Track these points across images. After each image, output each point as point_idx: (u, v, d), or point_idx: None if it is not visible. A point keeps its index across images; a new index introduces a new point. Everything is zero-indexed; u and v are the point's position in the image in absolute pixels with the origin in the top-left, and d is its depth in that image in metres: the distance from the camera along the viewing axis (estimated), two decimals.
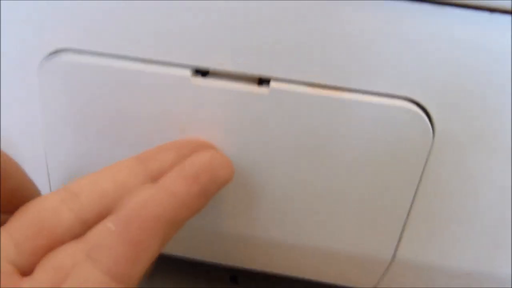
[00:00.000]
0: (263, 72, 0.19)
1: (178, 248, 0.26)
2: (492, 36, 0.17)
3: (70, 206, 0.17)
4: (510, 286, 0.23)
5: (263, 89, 0.19)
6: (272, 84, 0.19)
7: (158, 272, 0.30)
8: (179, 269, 0.31)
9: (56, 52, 0.19)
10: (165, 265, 0.30)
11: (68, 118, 0.21)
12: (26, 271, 0.16)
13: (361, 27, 0.18)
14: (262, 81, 0.19)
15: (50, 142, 0.21)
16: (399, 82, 0.18)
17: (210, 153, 0.19)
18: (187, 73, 0.19)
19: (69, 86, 0.20)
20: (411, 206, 0.21)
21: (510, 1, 0.17)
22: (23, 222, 0.16)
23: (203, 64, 0.19)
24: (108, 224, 0.16)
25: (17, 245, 0.16)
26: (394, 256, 0.22)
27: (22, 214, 0.16)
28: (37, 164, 0.22)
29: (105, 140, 0.21)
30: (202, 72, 0.20)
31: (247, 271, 0.27)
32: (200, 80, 0.19)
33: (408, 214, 0.21)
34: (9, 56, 0.20)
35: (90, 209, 0.17)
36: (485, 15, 0.17)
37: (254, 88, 0.19)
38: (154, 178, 0.18)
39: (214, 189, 0.19)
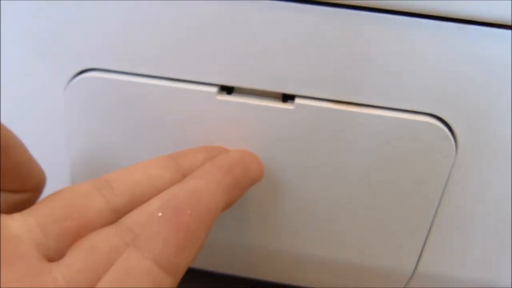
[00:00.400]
0: (288, 90, 0.19)
1: (197, 261, 0.26)
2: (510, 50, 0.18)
3: (102, 192, 0.16)
4: None
5: (288, 105, 0.19)
6: (297, 100, 0.19)
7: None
8: (198, 281, 0.31)
9: (84, 71, 0.20)
10: (184, 277, 0.30)
11: (94, 133, 0.21)
12: (54, 256, 0.15)
13: (385, 45, 0.18)
14: (286, 97, 0.20)
15: (75, 158, 0.22)
16: (422, 98, 0.19)
17: (240, 150, 0.19)
18: (213, 90, 0.19)
19: (96, 103, 0.20)
20: (433, 219, 0.21)
21: None
22: (50, 205, 0.16)
23: (229, 82, 0.19)
24: (155, 211, 0.15)
25: (43, 227, 0.15)
26: (415, 269, 0.23)
27: (49, 198, 0.16)
28: (62, 177, 0.22)
29: (130, 155, 0.21)
30: (228, 89, 0.20)
31: (267, 283, 0.27)
32: (225, 97, 0.20)
33: (430, 228, 0.21)
34: (39, 73, 0.20)
35: (122, 198, 0.17)
36: (508, 32, 0.17)
37: (279, 104, 0.19)
38: (185, 174, 0.18)
39: (246, 183, 0.19)
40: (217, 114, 0.20)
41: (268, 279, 0.26)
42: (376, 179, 0.20)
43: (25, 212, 0.15)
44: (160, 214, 0.15)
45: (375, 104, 0.19)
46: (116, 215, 0.16)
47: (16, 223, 0.15)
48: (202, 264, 0.26)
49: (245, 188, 0.19)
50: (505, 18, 0.17)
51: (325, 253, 0.23)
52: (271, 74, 0.19)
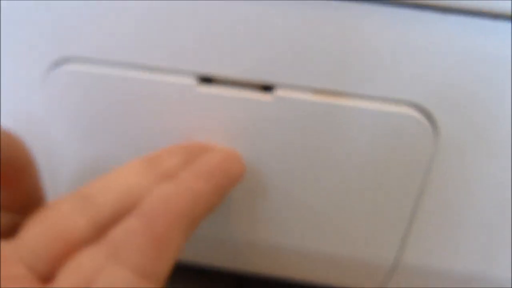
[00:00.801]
0: (267, 79, 0.19)
1: (185, 254, 0.26)
2: (494, 42, 0.18)
3: (83, 211, 0.17)
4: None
5: (267, 96, 0.19)
6: (276, 90, 0.19)
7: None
8: (186, 275, 0.31)
9: (60, 60, 0.20)
10: (172, 271, 0.30)
11: (73, 125, 0.21)
12: (45, 278, 0.16)
13: (365, 33, 0.18)
14: (266, 88, 0.20)
15: (54, 149, 0.22)
16: (404, 88, 0.19)
17: (220, 152, 0.19)
18: (192, 81, 0.19)
19: (73, 93, 0.20)
20: (415, 211, 0.21)
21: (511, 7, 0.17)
22: (38, 229, 0.16)
23: (208, 72, 0.19)
24: (131, 222, 0.16)
25: (34, 252, 0.16)
26: (398, 260, 0.22)
27: (35, 222, 0.16)
28: (42, 172, 0.22)
29: (110, 148, 0.21)
30: (207, 80, 0.20)
31: (253, 277, 0.27)
32: (204, 88, 0.19)
33: (411, 219, 0.21)
34: (14, 63, 0.20)
35: (103, 213, 0.17)
36: (488, 21, 0.17)
37: (259, 95, 0.19)
38: (165, 179, 0.18)
39: (228, 186, 0.19)
40: (197, 106, 0.20)
41: (256, 271, 0.26)
42: (357, 169, 0.20)
43: (17, 239, 0.16)
44: (135, 225, 0.15)
45: (355, 92, 0.19)
46: (100, 230, 0.17)
47: (8, 247, 0.16)
48: (189, 257, 0.26)
49: (227, 190, 0.19)
50: (491, 8, 0.17)
51: (307, 244, 0.23)
52: (251, 64, 0.19)
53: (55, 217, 0.17)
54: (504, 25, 0.17)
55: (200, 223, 0.23)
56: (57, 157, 0.22)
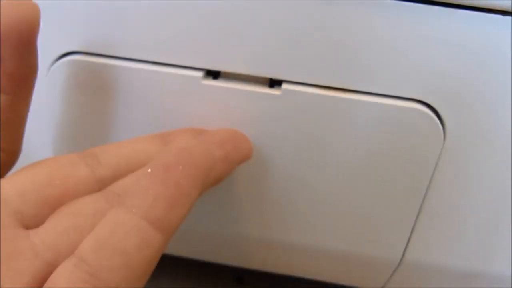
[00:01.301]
0: (275, 74, 0.19)
1: (185, 250, 0.26)
2: (503, 38, 0.17)
3: (88, 162, 0.16)
4: None
5: (275, 91, 0.19)
6: (284, 85, 0.19)
7: (165, 273, 0.30)
8: (185, 270, 0.31)
9: (66, 54, 0.19)
10: (172, 266, 0.30)
11: (78, 119, 0.21)
12: (33, 225, 0.14)
13: (372, 29, 0.18)
14: (273, 83, 0.20)
15: (59, 143, 0.21)
16: (410, 84, 0.18)
17: (231, 129, 0.19)
18: (199, 75, 0.19)
19: (80, 88, 0.20)
20: (421, 207, 0.21)
21: None
22: (31, 172, 0.15)
23: (215, 66, 0.19)
24: (144, 169, 0.14)
25: (22, 195, 0.14)
26: (402, 257, 0.22)
27: (31, 166, 0.15)
28: None
29: (114, 140, 0.21)
30: (214, 74, 0.20)
31: (254, 271, 0.27)
32: (211, 82, 0.19)
33: (417, 216, 0.21)
34: None
35: (108, 169, 0.16)
36: (497, 17, 0.17)
37: (266, 90, 0.19)
38: None
39: (237, 159, 0.18)
40: (202, 99, 0.19)
41: (257, 268, 0.26)
42: (363, 165, 0.20)
43: (3, 180, 0.15)
44: (149, 170, 0.14)
45: (363, 89, 0.19)
46: (101, 186, 0.16)
47: None
48: (188, 253, 0.26)
49: (235, 164, 0.18)
50: (498, 4, 0.17)
51: (311, 241, 0.23)
52: (258, 58, 0.19)
53: (55, 163, 0.15)
54: None
55: (202, 219, 0.23)
56: (60, 149, 0.21)
